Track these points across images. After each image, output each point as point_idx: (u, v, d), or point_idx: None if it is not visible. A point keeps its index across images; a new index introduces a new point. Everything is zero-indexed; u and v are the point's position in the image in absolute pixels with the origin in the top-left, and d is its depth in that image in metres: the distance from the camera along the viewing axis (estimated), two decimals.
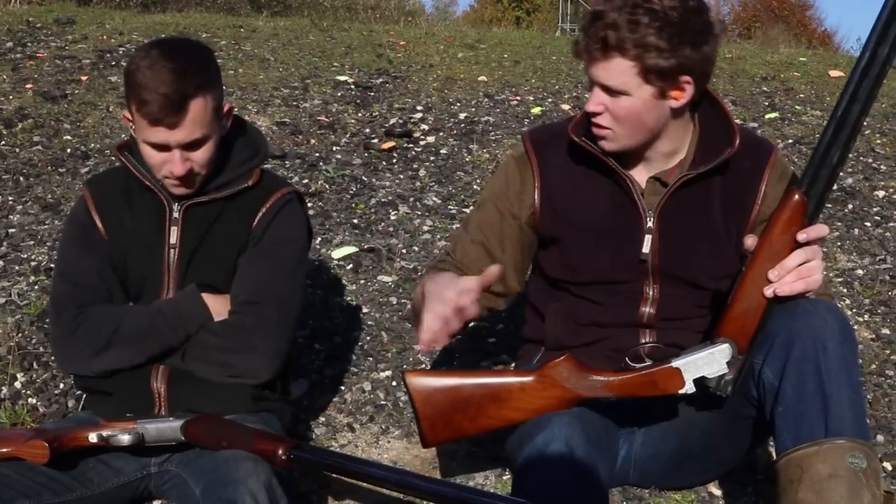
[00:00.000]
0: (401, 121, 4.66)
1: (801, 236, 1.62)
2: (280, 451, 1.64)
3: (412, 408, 1.76)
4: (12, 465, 1.69)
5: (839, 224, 3.57)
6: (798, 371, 1.59)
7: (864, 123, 1.62)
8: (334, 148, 4.30)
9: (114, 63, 5.26)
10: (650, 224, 1.82)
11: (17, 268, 3.03)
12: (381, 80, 5.40)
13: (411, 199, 3.74)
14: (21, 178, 3.75)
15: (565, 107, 5.00)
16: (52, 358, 2.50)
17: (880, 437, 2.26)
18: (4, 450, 1.70)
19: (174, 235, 1.90)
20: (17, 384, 2.42)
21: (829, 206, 3.65)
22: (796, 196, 1.63)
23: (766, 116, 4.95)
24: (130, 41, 5.80)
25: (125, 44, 5.74)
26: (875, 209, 3.73)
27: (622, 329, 1.87)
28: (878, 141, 4.58)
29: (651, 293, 1.85)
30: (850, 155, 4.00)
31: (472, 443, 2.20)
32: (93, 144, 4.15)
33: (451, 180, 3.96)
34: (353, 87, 5.21)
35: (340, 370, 2.59)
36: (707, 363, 1.68)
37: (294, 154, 4.16)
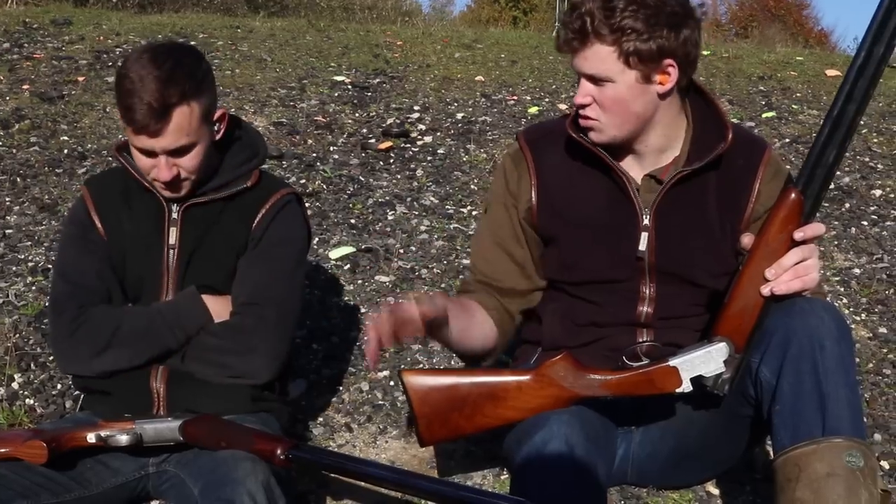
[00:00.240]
0: (398, 121, 4.66)
1: (798, 235, 1.63)
2: (278, 451, 1.64)
3: (409, 407, 1.76)
4: (10, 466, 1.69)
5: (836, 223, 3.57)
6: (795, 370, 1.60)
7: (861, 122, 1.62)
8: (331, 148, 4.30)
9: (110, 64, 5.26)
10: (646, 221, 1.83)
11: (14, 268, 3.03)
12: (378, 80, 5.40)
13: (408, 199, 3.74)
14: (18, 179, 3.75)
15: (562, 106, 5.00)
16: (50, 358, 2.50)
17: (877, 436, 2.26)
18: (3, 450, 1.70)
19: (173, 236, 1.90)
20: (15, 385, 2.42)
21: (826, 204, 3.66)
22: (793, 195, 1.63)
23: (763, 115, 4.95)
24: (127, 42, 5.80)
25: (122, 44, 5.73)
26: (872, 208, 3.74)
27: (620, 329, 1.87)
28: (875, 140, 4.59)
29: (648, 292, 1.85)
30: (847, 154, 4.01)
31: (470, 442, 2.20)
32: (90, 145, 4.15)
33: (448, 180, 3.96)
34: (350, 87, 5.21)
35: (338, 370, 2.60)
36: (704, 362, 1.69)
37: (291, 154, 4.16)
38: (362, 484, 1.93)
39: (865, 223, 3.60)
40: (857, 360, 2.56)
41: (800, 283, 1.64)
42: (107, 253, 1.91)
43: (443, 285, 3.05)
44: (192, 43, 5.54)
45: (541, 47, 6.67)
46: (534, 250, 1.94)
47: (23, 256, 3.12)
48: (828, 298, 2.55)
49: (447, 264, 3.20)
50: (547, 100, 5.18)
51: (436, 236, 3.42)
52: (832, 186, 3.32)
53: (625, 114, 1.75)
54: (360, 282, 3.07)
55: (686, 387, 1.69)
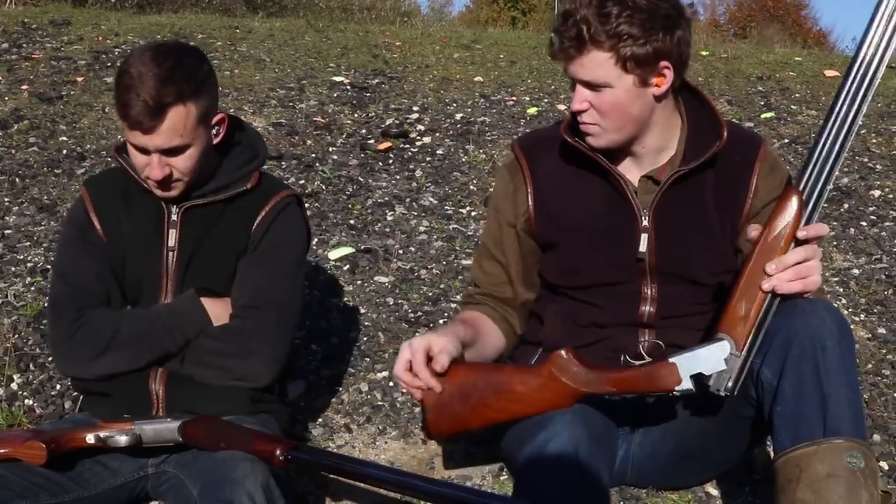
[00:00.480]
0: (397, 121, 4.66)
1: (801, 233, 1.63)
2: (278, 452, 1.64)
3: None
4: (9, 467, 1.69)
5: (835, 223, 3.57)
6: (797, 370, 1.60)
7: (860, 123, 1.63)
8: (330, 149, 4.30)
9: (109, 64, 5.26)
10: (645, 223, 1.83)
11: (13, 269, 3.03)
12: (377, 80, 5.40)
13: (408, 200, 3.74)
14: (17, 180, 3.75)
15: (561, 107, 5.00)
16: (49, 359, 2.50)
17: (877, 437, 2.26)
18: (2, 451, 1.70)
19: (172, 238, 1.89)
20: (14, 385, 2.42)
21: (825, 205, 3.64)
22: (794, 195, 1.63)
23: (762, 116, 4.96)
24: (126, 42, 5.80)
25: (121, 45, 5.73)
26: (871, 208, 3.74)
27: (622, 329, 1.87)
28: (874, 140, 4.59)
29: (650, 292, 1.85)
30: (846, 154, 4.01)
31: (470, 442, 2.20)
32: (89, 145, 4.15)
33: (447, 181, 3.96)
34: (349, 87, 5.21)
35: (337, 371, 2.59)
36: (704, 359, 1.68)
37: (290, 155, 4.16)
38: (361, 485, 1.92)
39: (864, 224, 3.60)
40: (857, 360, 2.56)
41: (801, 285, 1.63)
42: (106, 254, 1.90)
43: (441, 286, 3.05)
44: (191, 43, 5.54)
45: (539, 48, 6.67)
46: (521, 264, 1.98)
47: (22, 257, 3.11)
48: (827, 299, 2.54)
49: (446, 265, 3.20)
50: (546, 100, 5.18)
51: (435, 237, 3.41)
52: (831, 187, 3.32)
53: (623, 118, 1.76)
54: (359, 282, 3.07)
55: (686, 384, 1.68)
